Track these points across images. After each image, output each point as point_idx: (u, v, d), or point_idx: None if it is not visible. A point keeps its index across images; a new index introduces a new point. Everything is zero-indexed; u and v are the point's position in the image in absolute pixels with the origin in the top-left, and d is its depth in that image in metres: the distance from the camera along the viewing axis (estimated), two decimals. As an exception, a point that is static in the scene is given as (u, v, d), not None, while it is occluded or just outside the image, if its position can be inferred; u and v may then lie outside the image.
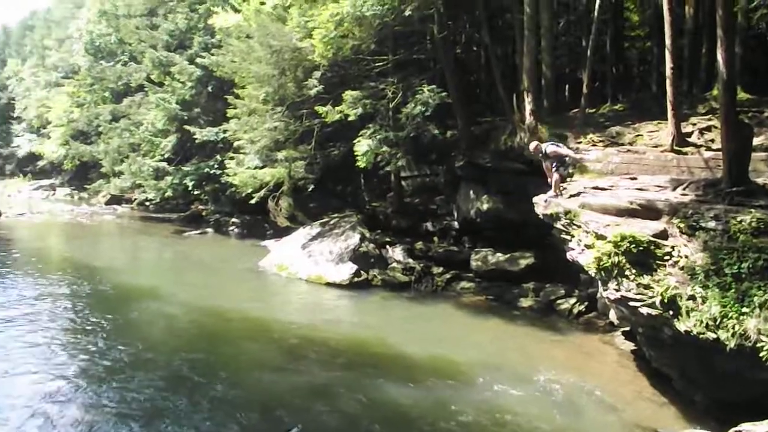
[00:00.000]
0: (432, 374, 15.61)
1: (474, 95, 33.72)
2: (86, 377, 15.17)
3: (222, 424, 12.71)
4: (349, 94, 26.00)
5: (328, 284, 25.50)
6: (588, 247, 14.81)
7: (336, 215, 31.60)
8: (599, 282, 15.09)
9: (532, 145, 18.29)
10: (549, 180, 17.82)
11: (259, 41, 29.60)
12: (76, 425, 12.53)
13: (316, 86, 28.03)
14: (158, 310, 21.63)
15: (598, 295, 19.31)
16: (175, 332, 19.20)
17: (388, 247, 28.75)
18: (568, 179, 19.68)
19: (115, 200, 59.91)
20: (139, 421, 12.88)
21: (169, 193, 42.76)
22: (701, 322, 11.56)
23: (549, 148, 17.70)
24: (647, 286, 12.90)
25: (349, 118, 26.29)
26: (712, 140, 18.52)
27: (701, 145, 18.66)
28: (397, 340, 18.26)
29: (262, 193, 32.01)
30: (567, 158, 17.79)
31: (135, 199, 54.21)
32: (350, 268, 25.88)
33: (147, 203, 51.01)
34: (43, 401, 13.59)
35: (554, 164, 17.72)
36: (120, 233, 45.90)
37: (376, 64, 27.47)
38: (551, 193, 17.40)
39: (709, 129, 19.45)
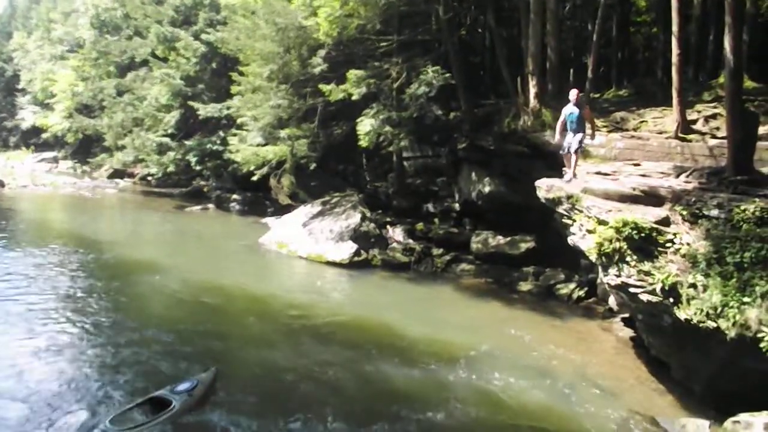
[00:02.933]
0: (429, 355, 15.61)
1: (478, 77, 33.59)
2: (77, 344, 15.37)
3: (224, 413, 12.59)
4: (353, 74, 25.85)
5: (328, 263, 25.50)
6: (589, 232, 14.76)
7: (337, 194, 31.55)
8: (600, 267, 15.02)
9: (574, 92, 17.32)
10: (565, 156, 17.41)
11: (264, 18, 29.46)
12: (62, 383, 13.14)
13: (320, 65, 27.92)
14: (157, 284, 21.65)
15: (598, 280, 19.28)
16: (172, 306, 19.21)
17: (388, 227, 28.75)
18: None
19: (117, 174, 59.87)
20: (118, 383, 13.31)
21: (171, 168, 42.76)
22: (702, 310, 11.53)
23: (587, 108, 17.12)
24: (648, 273, 12.86)
25: (353, 98, 26.21)
26: (717, 128, 18.46)
27: (706, 133, 18.61)
28: (395, 320, 18.25)
29: (264, 170, 31.95)
30: (582, 138, 17.01)
31: (137, 173, 54.46)
32: (350, 247, 25.87)
33: (149, 178, 51.37)
34: (32, 360, 14.16)
35: (575, 134, 16.98)
36: (122, 207, 45.85)
37: (381, 44, 27.32)
38: (570, 174, 17.00)
39: (714, 117, 19.39)
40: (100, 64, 54.40)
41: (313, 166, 31.74)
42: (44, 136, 74.27)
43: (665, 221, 13.40)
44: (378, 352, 15.69)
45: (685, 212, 13.25)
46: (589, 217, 14.93)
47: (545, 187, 17.20)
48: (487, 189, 25.45)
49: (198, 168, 43.05)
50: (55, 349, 14.99)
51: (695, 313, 11.63)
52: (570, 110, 17.05)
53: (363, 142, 26.48)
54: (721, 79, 19.53)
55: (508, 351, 16.09)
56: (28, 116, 79.58)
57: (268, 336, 16.99)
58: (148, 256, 25.85)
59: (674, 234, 13.02)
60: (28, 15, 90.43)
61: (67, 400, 12.36)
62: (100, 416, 11.68)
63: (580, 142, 16.84)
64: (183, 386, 12.36)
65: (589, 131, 17.04)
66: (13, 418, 11.66)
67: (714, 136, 18.18)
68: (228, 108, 35.45)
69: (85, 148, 66.13)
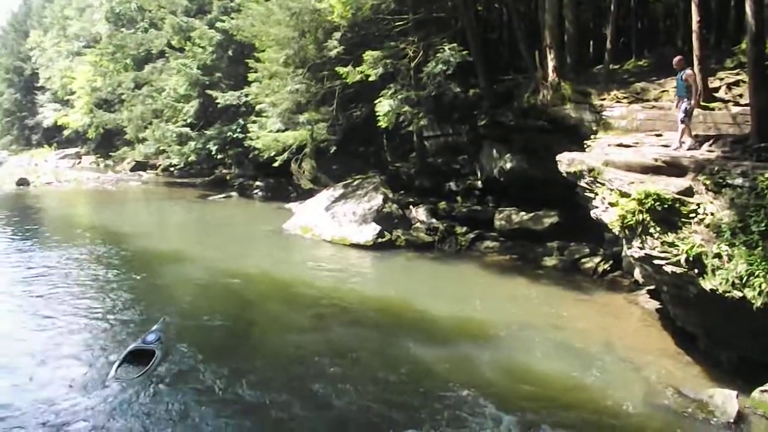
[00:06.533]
0: (456, 333, 15.64)
1: (496, 53, 33.28)
2: (107, 336, 15.42)
3: (242, 384, 12.74)
4: (369, 55, 25.76)
5: (352, 245, 25.57)
6: (612, 204, 14.63)
7: (359, 176, 31.61)
8: (623, 240, 14.92)
9: (677, 58, 16.74)
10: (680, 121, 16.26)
11: (278, 4, 29.47)
12: (82, 354, 14.18)
13: (336, 47, 27.84)
14: (183, 272, 21.87)
15: (623, 253, 19.14)
16: (199, 294, 19.31)
17: (411, 207, 28.73)
18: (592, 137, 19.45)
19: (139, 166, 60.64)
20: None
21: (192, 157, 43.04)
22: (727, 280, 11.40)
23: (687, 70, 16.24)
24: (672, 244, 12.73)
25: (370, 79, 26.11)
26: (740, 95, 18.13)
27: (729, 101, 18.30)
28: (421, 300, 18.26)
29: (284, 155, 32.01)
30: (687, 107, 15.89)
31: (159, 164, 54.91)
32: (374, 228, 25.89)
33: (171, 168, 51.72)
34: (55, 351, 14.45)
35: (683, 101, 16.04)
36: (145, 199, 46.30)
37: (396, 24, 27.14)
38: (676, 143, 16.04)
39: (737, 84, 19.04)
40: (117, 58, 54.69)
41: (333, 149, 31.82)
42: (66, 132, 74.99)
43: (688, 191, 13.24)
44: (404, 332, 15.70)
45: (708, 182, 13.06)
46: (611, 190, 14.80)
47: (566, 161, 17.06)
48: (508, 165, 25.26)
49: (219, 156, 43.37)
50: (79, 327, 15.89)
51: (720, 283, 11.50)
52: (677, 78, 16.46)
53: (382, 123, 26.41)
54: (743, 45, 19.18)
55: (534, 326, 16.05)
56: (48, 114, 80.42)
57: (293, 319, 17.05)
58: (174, 246, 26.10)
59: (698, 204, 12.85)
60: (43, 13, 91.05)
61: (83, 365, 13.49)
62: (105, 371, 13.07)
63: (685, 110, 15.92)
64: (151, 337, 14.24)
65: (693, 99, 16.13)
66: (35, 379, 12.82)
67: (737, 104, 17.87)
68: (246, 95, 35.66)
69: (107, 143, 66.78)
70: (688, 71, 16.17)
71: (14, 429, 10.89)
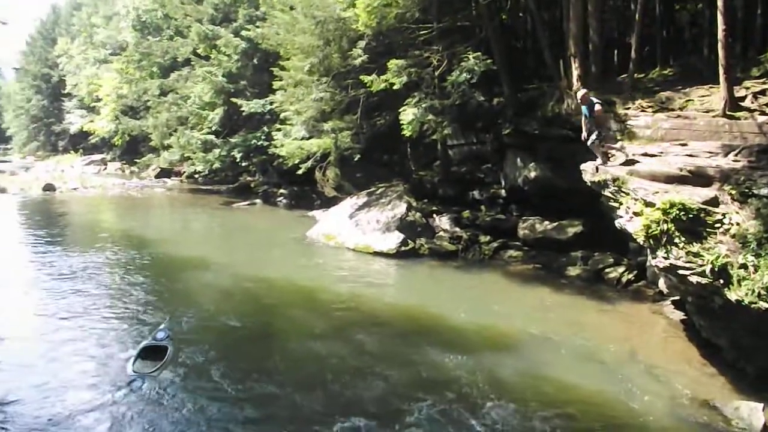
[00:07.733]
0: (478, 342, 15.64)
1: (520, 62, 33.20)
2: (126, 336, 15.81)
3: (258, 380, 13.01)
4: (393, 63, 25.74)
5: (375, 253, 25.61)
6: (636, 214, 14.59)
7: (382, 185, 31.67)
8: (648, 250, 14.87)
9: (581, 92, 17.72)
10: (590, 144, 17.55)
11: (303, 12, 29.62)
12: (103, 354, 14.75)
13: (360, 56, 27.89)
14: (205, 277, 22.03)
15: (647, 263, 19.05)
16: (223, 300, 19.36)
17: (434, 216, 28.75)
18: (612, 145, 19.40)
19: (164, 173, 60.97)
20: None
21: (217, 165, 43.19)
22: (753, 291, 11.36)
23: (597, 107, 17.33)
24: (697, 254, 12.68)
25: (395, 87, 26.05)
26: (767, 104, 17.99)
27: (755, 110, 18.11)
28: (443, 308, 18.26)
29: (309, 163, 32.12)
30: (598, 127, 17.39)
31: (184, 171, 55.06)
32: (397, 237, 25.91)
33: (196, 175, 51.89)
34: (73, 348, 15.05)
35: (588, 124, 17.49)
36: (170, 205, 46.63)
37: (421, 32, 27.11)
38: (599, 160, 17.14)
39: (763, 93, 18.85)
40: (143, 66, 55.15)
41: (357, 157, 31.89)
42: (92, 139, 75.71)
43: (714, 201, 13.19)
44: (427, 340, 15.68)
45: (734, 192, 13.02)
46: (636, 200, 14.77)
47: (591, 171, 17.07)
48: (532, 174, 25.22)
49: (244, 164, 43.47)
50: (98, 326, 16.48)
51: (746, 294, 11.47)
52: (584, 109, 17.72)
53: (406, 132, 26.35)
54: (769, 54, 19.06)
55: (557, 336, 16.00)
56: (75, 120, 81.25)
57: (314, 323, 17.16)
58: (197, 252, 26.21)
59: (723, 214, 12.81)
60: (71, 21, 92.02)
61: (102, 362, 14.22)
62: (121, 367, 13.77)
63: (592, 139, 17.32)
64: (162, 334, 15.02)
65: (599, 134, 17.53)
66: (56, 375, 13.39)
67: (763, 113, 17.68)
68: (271, 103, 35.75)
69: (132, 149, 67.38)
70: (598, 108, 17.28)
71: (37, 421, 11.29)
